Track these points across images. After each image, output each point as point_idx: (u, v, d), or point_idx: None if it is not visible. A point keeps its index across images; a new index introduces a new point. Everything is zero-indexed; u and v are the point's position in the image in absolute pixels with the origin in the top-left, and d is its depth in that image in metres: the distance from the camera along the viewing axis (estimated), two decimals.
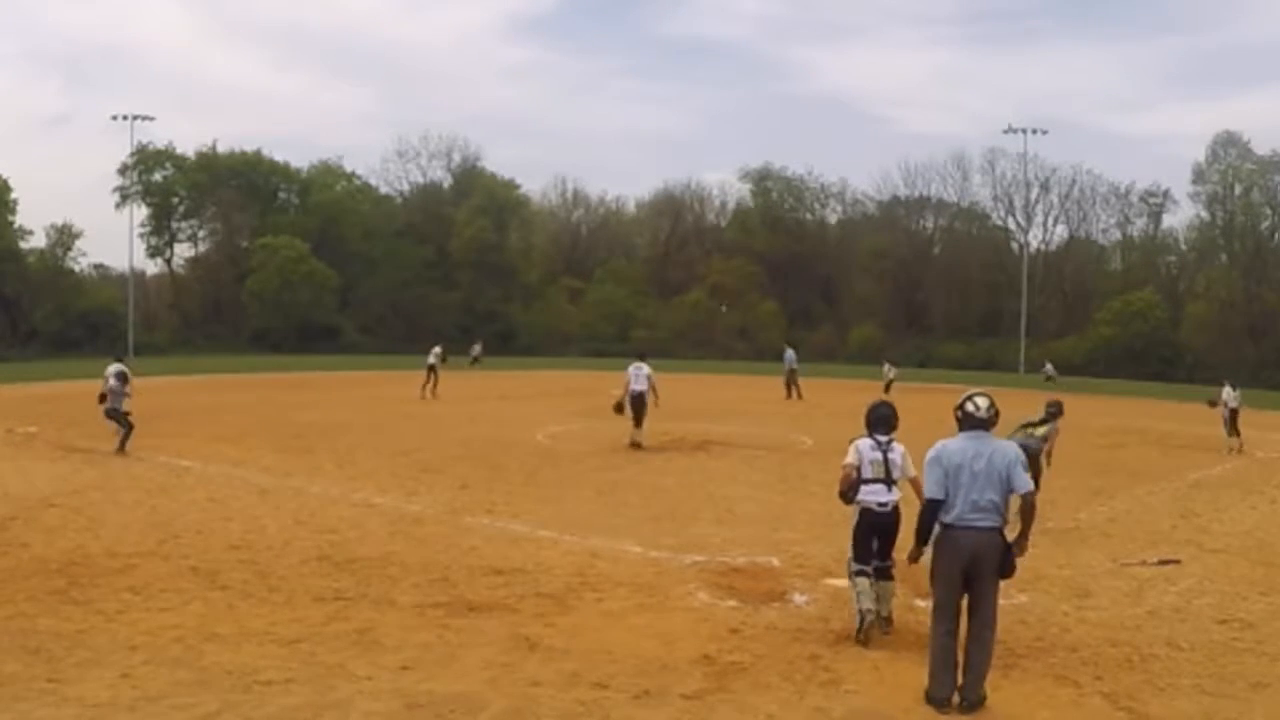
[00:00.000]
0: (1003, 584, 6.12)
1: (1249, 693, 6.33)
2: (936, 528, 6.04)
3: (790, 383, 32.64)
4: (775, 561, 9.47)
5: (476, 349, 48.77)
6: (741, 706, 5.84)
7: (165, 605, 7.59)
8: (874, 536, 7.34)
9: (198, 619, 7.26)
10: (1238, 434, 20.87)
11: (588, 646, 6.84)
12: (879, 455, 7.36)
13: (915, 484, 7.27)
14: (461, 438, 19.01)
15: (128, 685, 5.90)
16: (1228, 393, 21.24)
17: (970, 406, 6.13)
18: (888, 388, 33.34)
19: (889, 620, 7.45)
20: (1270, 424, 27.37)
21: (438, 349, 32.84)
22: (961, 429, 6.14)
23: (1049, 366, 51.95)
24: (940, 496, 5.98)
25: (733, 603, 8.03)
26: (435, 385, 30.53)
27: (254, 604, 7.69)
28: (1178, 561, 9.81)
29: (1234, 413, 20.99)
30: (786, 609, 7.92)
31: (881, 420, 7.55)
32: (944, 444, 6.10)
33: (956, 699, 5.87)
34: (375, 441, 18.21)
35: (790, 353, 33.95)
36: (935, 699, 5.88)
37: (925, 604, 7.97)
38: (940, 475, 5.98)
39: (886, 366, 37.09)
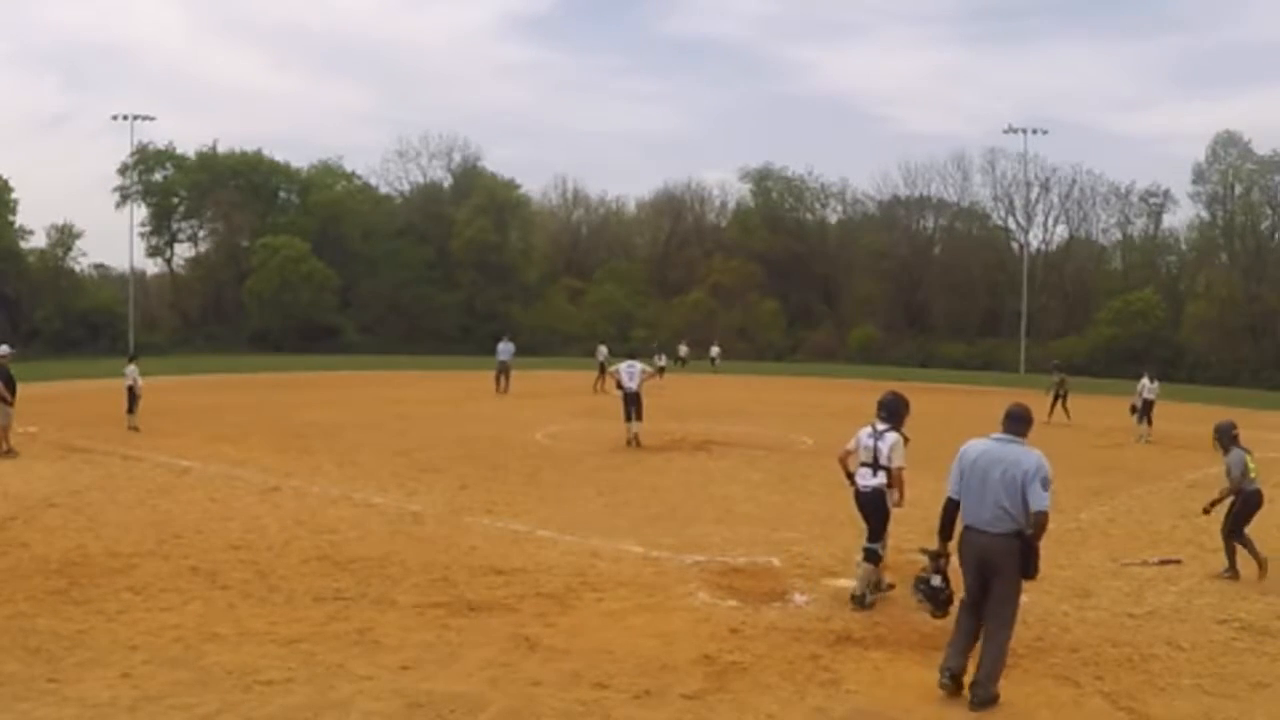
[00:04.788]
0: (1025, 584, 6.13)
1: (1249, 693, 6.33)
2: (960, 526, 6.15)
3: (500, 374, 31.40)
4: (775, 561, 9.47)
5: (684, 350, 51.63)
6: (741, 706, 5.84)
7: (165, 605, 7.60)
8: (860, 511, 8.07)
9: (198, 619, 7.26)
10: (1149, 424, 22.09)
11: (588, 646, 6.84)
12: (871, 443, 7.95)
13: (894, 474, 7.84)
14: (461, 438, 19.01)
15: (128, 685, 5.91)
16: (1144, 384, 22.43)
17: (1011, 407, 6.23)
18: (661, 373, 34.38)
19: (859, 599, 7.86)
20: (1270, 424, 27.37)
21: (604, 347, 33.78)
22: (1002, 429, 6.16)
23: (715, 350, 52.93)
24: (954, 497, 6.10)
25: (733, 603, 8.03)
26: (604, 381, 31.23)
27: (254, 604, 7.69)
28: (1178, 561, 9.80)
29: (1149, 404, 22.24)
30: (786, 609, 7.92)
31: (881, 405, 8.13)
32: (968, 445, 6.18)
33: (966, 695, 5.90)
34: (375, 441, 18.20)
35: (503, 344, 32.49)
36: (941, 668, 6.03)
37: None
38: (956, 476, 6.09)
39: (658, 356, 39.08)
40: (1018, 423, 6.10)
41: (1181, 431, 22.66)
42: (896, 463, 7.83)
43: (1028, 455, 5.95)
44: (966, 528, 6.04)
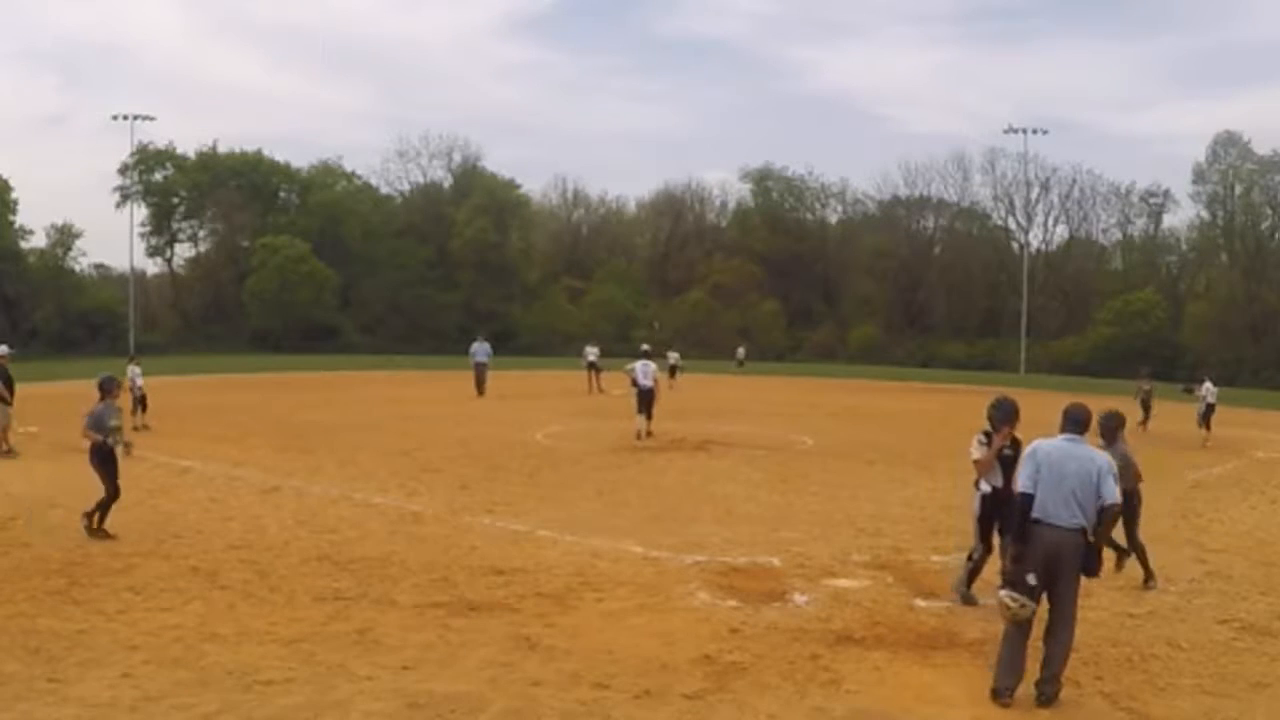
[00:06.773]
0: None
1: (1249, 693, 6.33)
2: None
3: (479, 378, 29.93)
4: (775, 561, 9.46)
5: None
6: (741, 706, 5.84)
7: (165, 605, 7.59)
8: None
9: (198, 619, 7.26)
10: (1208, 428, 21.93)
11: (588, 646, 6.84)
12: None
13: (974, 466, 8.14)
14: (461, 438, 19.01)
15: (128, 685, 5.90)
16: (1207, 387, 22.46)
17: (1070, 409, 6.38)
18: (673, 373, 34.40)
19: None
20: (1270, 424, 27.37)
21: (594, 348, 33.35)
22: (1061, 430, 6.30)
23: (740, 351, 52.85)
24: (1029, 491, 6.14)
25: (733, 603, 8.02)
26: (599, 380, 31.41)
27: (254, 604, 7.69)
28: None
29: (1210, 408, 22.17)
30: (787, 609, 7.92)
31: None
32: (1040, 443, 6.30)
33: (1033, 694, 5.96)
34: (375, 441, 18.20)
35: (478, 345, 30.71)
36: (996, 690, 5.99)
37: (926, 604, 8.01)
38: (1032, 470, 6.18)
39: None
40: (1080, 424, 6.30)
41: (1182, 431, 22.66)
42: (971, 455, 8.13)
43: (1099, 453, 6.24)
44: (1035, 522, 6.11)
